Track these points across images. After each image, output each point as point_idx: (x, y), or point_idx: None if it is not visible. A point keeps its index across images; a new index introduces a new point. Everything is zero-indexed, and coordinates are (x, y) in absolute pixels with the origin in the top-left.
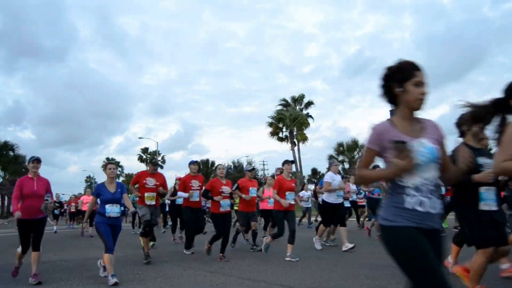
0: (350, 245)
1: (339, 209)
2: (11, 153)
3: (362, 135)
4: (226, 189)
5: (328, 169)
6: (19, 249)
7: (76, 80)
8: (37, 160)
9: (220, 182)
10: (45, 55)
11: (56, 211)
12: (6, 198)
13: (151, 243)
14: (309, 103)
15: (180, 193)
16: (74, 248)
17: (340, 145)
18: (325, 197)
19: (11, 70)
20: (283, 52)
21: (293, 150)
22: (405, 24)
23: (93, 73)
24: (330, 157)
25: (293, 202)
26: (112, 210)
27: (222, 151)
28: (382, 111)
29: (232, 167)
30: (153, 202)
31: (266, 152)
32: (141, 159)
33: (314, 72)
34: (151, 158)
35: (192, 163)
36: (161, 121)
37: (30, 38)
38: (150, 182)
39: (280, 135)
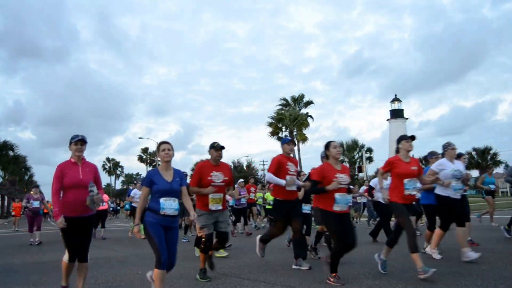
0: (474, 255)
1: (460, 207)
2: (11, 153)
3: (362, 135)
4: (343, 177)
5: (443, 155)
6: (66, 258)
7: (76, 80)
8: (81, 141)
9: (333, 169)
10: (46, 56)
11: None
12: (6, 198)
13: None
14: (309, 103)
15: (270, 176)
16: None
17: (340, 145)
18: (439, 190)
19: (12, 70)
20: (283, 52)
21: (293, 150)
22: (404, 25)
23: (93, 73)
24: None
25: (414, 193)
26: (169, 205)
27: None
28: (381, 111)
29: (232, 167)
30: (220, 207)
31: (266, 152)
32: (141, 159)
33: (314, 72)
34: (212, 143)
35: (286, 141)
36: (161, 121)
37: (31, 39)
38: (217, 178)
39: (280, 135)
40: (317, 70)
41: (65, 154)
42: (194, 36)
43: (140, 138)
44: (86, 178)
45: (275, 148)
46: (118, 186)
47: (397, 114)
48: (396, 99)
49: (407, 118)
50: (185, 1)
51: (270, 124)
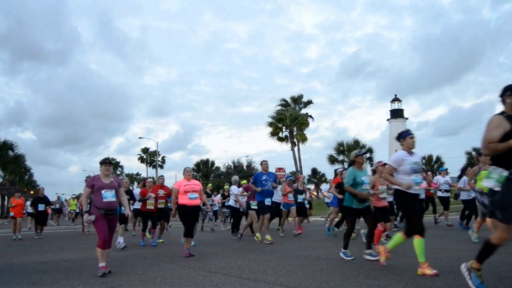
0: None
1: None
2: (10, 152)
3: (361, 135)
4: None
5: None
6: None
7: (77, 82)
8: None
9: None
10: (47, 57)
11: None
12: (6, 198)
13: None
14: (309, 102)
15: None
16: (74, 248)
17: (340, 144)
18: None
19: (14, 72)
20: (283, 53)
21: (293, 150)
22: (404, 25)
23: (94, 74)
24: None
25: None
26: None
27: (222, 151)
28: (380, 111)
29: (232, 167)
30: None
31: (266, 152)
32: (141, 159)
33: (313, 73)
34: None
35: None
36: (161, 122)
37: (33, 41)
38: None
39: (280, 135)
40: (317, 71)
41: (65, 155)
42: (194, 37)
43: (140, 138)
44: None
45: (275, 148)
46: None
47: (397, 114)
48: (396, 99)
49: (407, 118)
50: (185, 1)
51: (270, 124)
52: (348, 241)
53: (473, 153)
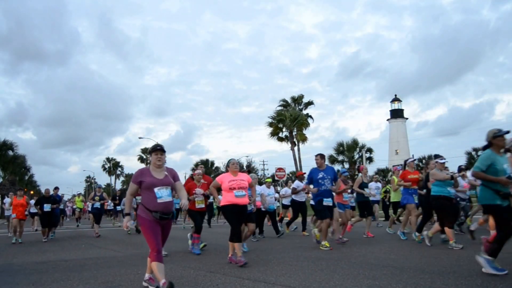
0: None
1: None
2: (10, 152)
3: (361, 135)
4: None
5: None
6: None
7: (77, 82)
8: None
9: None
10: (48, 58)
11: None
12: (6, 198)
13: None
14: (309, 103)
15: None
16: (74, 248)
17: (340, 145)
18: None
19: (14, 72)
20: (283, 53)
21: (293, 150)
22: (404, 26)
23: (94, 75)
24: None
25: None
26: None
27: (222, 151)
28: (380, 111)
29: None
30: None
31: (266, 152)
32: (141, 159)
33: (313, 73)
34: None
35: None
36: (161, 122)
37: (33, 42)
38: None
39: (280, 135)
40: (317, 71)
41: (65, 155)
42: (194, 37)
43: (140, 138)
44: None
45: (275, 148)
46: (118, 186)
47: (397, 114)
48: (396, 99)
49: (407, 118)
50: (185, 1)
51: (270, 124)
52: (498, 250)
53: (473, 153)
